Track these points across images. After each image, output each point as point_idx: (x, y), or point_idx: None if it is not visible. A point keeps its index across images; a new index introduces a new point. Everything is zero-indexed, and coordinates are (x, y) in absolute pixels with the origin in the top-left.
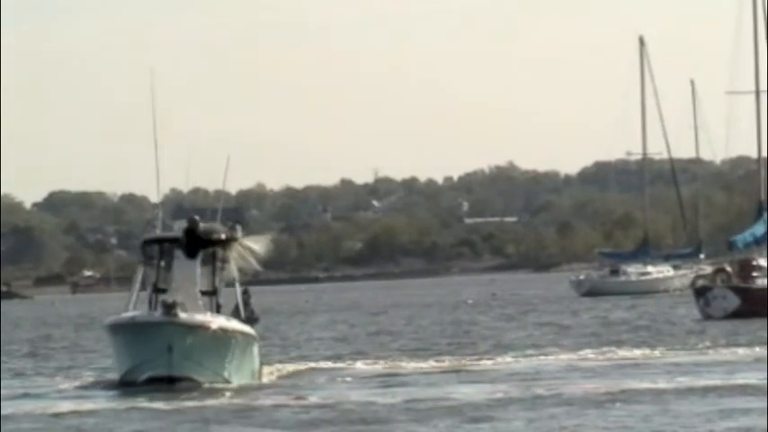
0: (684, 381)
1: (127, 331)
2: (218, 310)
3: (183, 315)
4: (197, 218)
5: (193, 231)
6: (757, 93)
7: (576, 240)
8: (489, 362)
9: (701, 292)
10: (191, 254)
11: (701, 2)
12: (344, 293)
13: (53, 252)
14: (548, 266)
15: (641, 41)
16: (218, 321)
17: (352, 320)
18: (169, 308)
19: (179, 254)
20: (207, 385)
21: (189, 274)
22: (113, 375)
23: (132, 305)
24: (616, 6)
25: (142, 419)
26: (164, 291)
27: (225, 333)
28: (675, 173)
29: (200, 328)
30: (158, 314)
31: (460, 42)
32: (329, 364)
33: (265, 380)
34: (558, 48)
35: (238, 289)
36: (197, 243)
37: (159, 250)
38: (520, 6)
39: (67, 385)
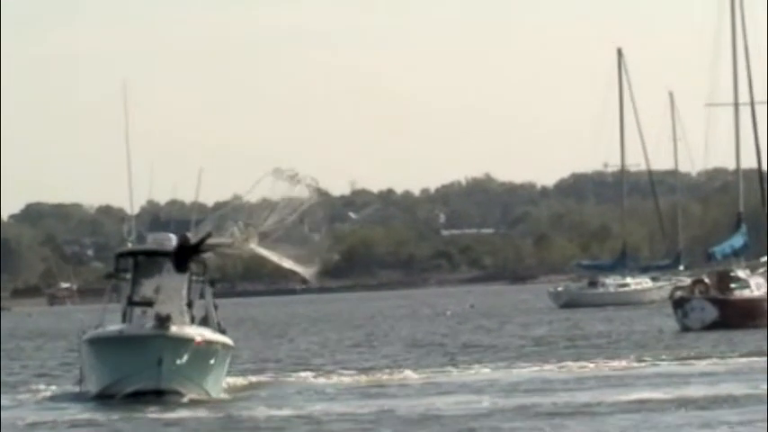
0: (664, 392)
1: (113, 344)
2: (192, 321)
3: (173, 328)
4: (189, 234)
5: (183, 246)
6: (736, 105)
7: (553, 252)
8: (469, 373)
9: (679, 304)
10: (180, 268)
11: (680, 14)
12: (322, 305)
13: (30, 264)
14: (525, 278)
15: (619, 53)
16: (204, 334)
17: (329, 332)
18: (163, 321)
19: (168, 267)
20: (188, 398)
21: (176, 287)
22: (90, 389)
23: (105, 319)
24: (594, 18)
25: (126, 430)
26: (138, 303)
27: (210, 346)
28: (654, 185)
29: (189, 342)
30: (149, 327)
31: (437, 54)
32: (309, 376)
33: (242, 391)
34: (535, 59)
35: (209, 299)
36: (187, 257)
37: (133, 263)
38: (497, 18)
39: (41, 396)
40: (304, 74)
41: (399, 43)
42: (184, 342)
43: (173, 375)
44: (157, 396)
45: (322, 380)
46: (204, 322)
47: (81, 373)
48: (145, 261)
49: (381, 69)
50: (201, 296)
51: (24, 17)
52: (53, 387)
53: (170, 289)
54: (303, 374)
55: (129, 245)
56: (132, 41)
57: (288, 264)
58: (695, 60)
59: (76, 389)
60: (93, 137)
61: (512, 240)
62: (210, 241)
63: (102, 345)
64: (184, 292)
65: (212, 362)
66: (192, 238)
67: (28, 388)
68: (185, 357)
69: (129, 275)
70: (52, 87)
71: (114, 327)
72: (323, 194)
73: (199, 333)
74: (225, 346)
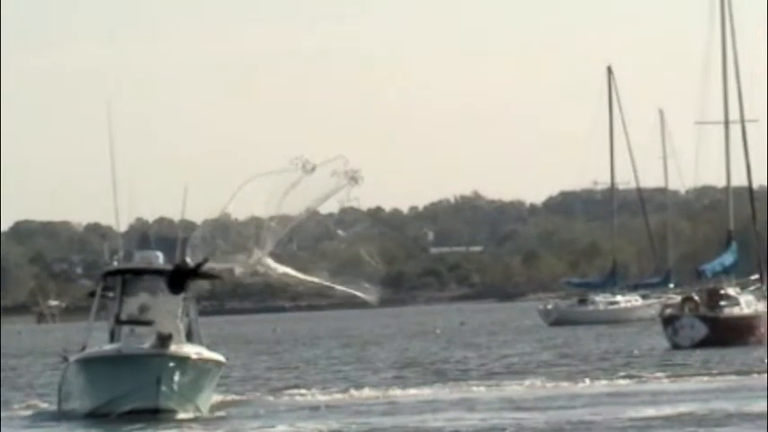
0: (656, 409)
1: (110, 363)
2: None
3: (172, 347)
4: (188, 259)
5: (181, 270)
6: (726, 123)
7: (541, 270)
8: (460, 390)
9: (669, 321)
10: (176, 291)
11: (670, 32)
12: (311, 323)
13: (19, 282)
14: (514, 296)
15: (609, 71)
16: (200, 352)
17: (319, 350)
18: (164, 340)
19: (162, 285)
20: (182, 415)
21: (171, 306)
22: (76, 408)
23: (92, 337)
24: (584, 36)
25: None
26: (126, 322)
27: (205, 363)
28: (644, 202)
29: (187, 360)
30: (149, 345)
31: (425, 70)
32: (299, 393)
33: (233, 408)
34: (524, 76)
35: (194, 316)
36: (184, 281)
37: (121, 281)
38: (486, 36)
39: (30, 412)
40: (290, 92)
41: (387, 60)
42: (183, 360)
43: (170, 394)
44: (155, 414)
45: (312, 397)
46: (187, 338)
47: (60, 392)
48: (132, 279)
49: (368, 88)
50: (186, 313)
51: (12, 35)
52: (44, 405)
53: (165, 308)
54: (294, 391)
55: (115, 263)
56: (123, 56)
57: (341, 286)
58: (685, 78)
59: (55, 408)
60: (82, 154)
61: (500, 258)
62: (210, 268)
63: (98, 364)
64: (180, 310)
65: (205, 379)
66: (190, 262)
67: (11, 406)
68: (183, 376)
69: (115, 294)
70: (41, 105)
71: (108, 346)
72: (353, 178)
73: (195, 351)
74: (218, 363)
